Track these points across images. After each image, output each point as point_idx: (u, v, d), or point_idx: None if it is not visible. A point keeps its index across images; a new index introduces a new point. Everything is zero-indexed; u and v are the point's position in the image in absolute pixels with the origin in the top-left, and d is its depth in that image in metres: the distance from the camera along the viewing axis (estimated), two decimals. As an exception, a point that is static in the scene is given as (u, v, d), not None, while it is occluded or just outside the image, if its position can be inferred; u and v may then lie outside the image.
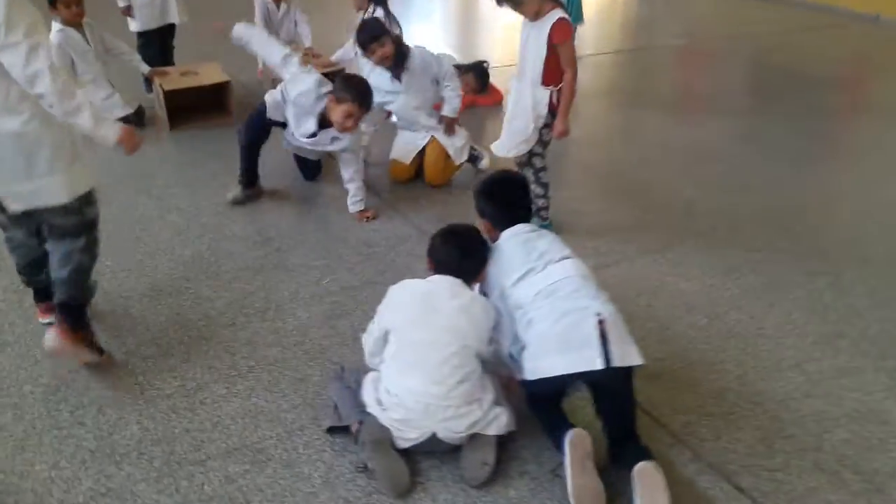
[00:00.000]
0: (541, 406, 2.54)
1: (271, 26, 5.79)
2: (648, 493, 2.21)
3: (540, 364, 2.37)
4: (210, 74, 5.19)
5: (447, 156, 4.38)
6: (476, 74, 5.65)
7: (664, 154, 5.05)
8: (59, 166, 2.53)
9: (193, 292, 3.29)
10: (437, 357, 2.36)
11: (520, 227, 2.61)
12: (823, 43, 8.36)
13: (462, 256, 2.54)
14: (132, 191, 4.16)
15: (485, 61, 5.81)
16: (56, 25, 4.61)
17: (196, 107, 5.14)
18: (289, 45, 5.89)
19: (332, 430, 2.52)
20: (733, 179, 4.63)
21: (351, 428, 2.48)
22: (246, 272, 3.45)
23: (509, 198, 2.70)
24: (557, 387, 2.47)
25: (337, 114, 3.61)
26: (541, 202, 3.80)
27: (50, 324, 2.95)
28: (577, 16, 6.23)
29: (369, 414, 2.44)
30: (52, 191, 2.55)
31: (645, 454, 2.31)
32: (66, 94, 2.37)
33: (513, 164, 3.83)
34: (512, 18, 3.58)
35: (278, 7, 5.78)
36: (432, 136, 4.37)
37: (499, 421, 2.44)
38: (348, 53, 5.60)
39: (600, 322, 2.30)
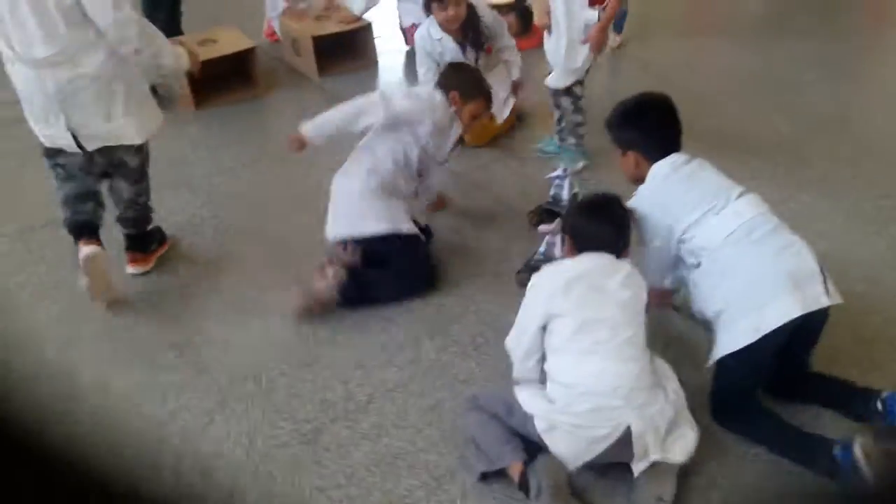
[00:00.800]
0: (744, 413, 2.19)
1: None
2: None
3: (766, 313, 2.02)
4: (231, 41, 4.58)
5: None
6: (518, 14, 5.10)
7: (739, 85, 4.57)
8: (133, 108, 2.69)
9: (279, 306, 2.81)
10: (619, 337, 2.01)
11: (675, 158, 2.29)
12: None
13: (617, 232, 2.19)
14: (171, 183, 3.62)
15: (528, -1, 5.26)
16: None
17: (215, 78, 4.58)
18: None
19: (484, 476, 2.12)
20: (824, 112, 4.17)
21: (510, 472, 2.07)
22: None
23: (662, 121, 2.34)
24: (767, 356, 2.10)
25: (466, 115, 2.98)
26: (582, 130, 3.62)
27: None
28: None
29: (527, 455, 2.06)
30: (127, 132, 2.71)
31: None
32: (149, 38, 2.59)
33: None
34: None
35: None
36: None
37: (685, 441, 2.05)
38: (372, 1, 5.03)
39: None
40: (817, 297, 2.04)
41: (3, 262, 3.17)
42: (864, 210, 3.25)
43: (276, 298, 2.83)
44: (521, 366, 2.20)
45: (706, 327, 2.24)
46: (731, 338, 2.08)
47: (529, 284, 2.18)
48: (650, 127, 2.34)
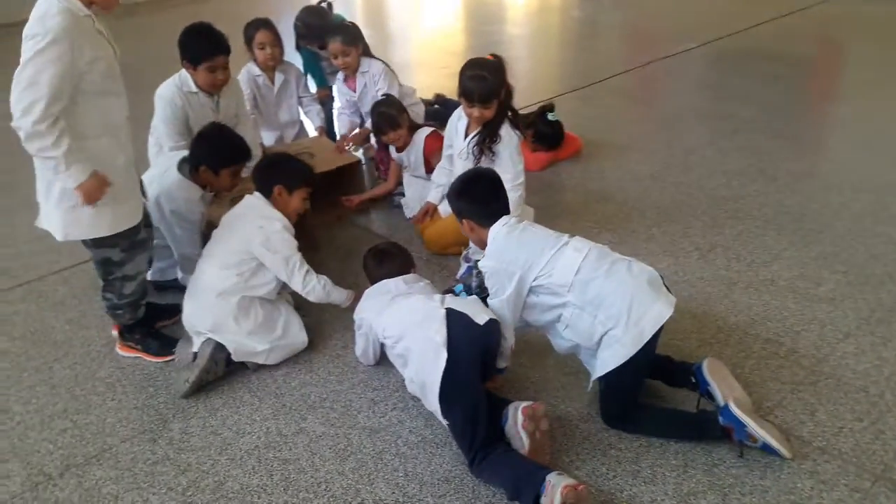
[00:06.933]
0: (636, 412, 2.44)
1: (267, 106, 4.44)
2: (722, 381, 2.39)
3: (643, 324, 2.25)
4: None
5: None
6: (536, 131, 4.56)
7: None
8: (63, 204, 2.60)
9: None
10: None
11: (507, 219, 2.56)
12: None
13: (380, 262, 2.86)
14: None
15: (549, 105, 4.71)
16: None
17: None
18: (294, 128, 4.61)
19: None
20: None
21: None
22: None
23: (488, 193, 2.61)
24: (650, 357, 2.38)
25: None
26: None
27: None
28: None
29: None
30: (51, 223, 2.69)
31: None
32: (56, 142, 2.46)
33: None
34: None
35: (272, 80, 4.39)
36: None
37: None
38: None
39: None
40: (670, 297, 2.33)
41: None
42: None
43: None
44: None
45: (582, 357, 2.48)
46: (614, 353, 2.27)
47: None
48: (480, 199, 2.60)
